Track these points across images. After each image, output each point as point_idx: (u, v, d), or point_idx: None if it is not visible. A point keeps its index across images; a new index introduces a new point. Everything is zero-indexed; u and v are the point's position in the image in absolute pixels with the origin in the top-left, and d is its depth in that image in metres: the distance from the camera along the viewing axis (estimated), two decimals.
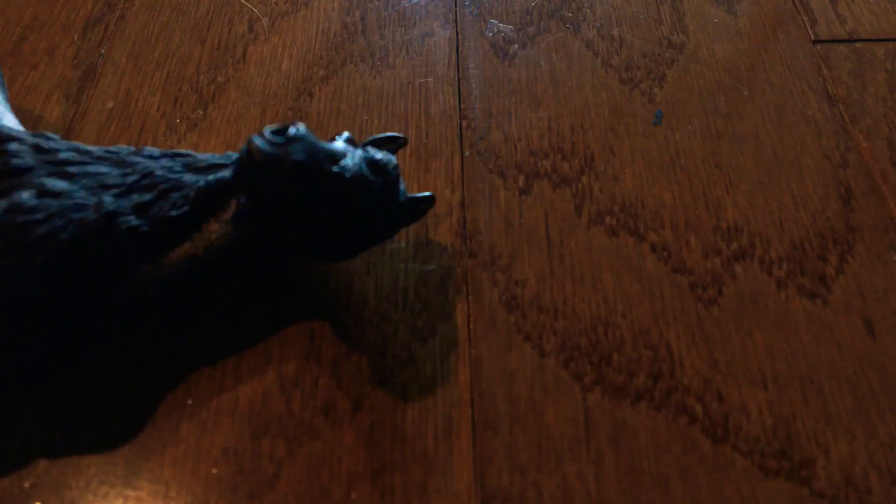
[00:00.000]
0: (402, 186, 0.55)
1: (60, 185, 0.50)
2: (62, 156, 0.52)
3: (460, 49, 0.76)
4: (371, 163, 0.53)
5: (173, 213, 0.50)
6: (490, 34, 0.78)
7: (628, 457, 0.52)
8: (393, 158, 0.54)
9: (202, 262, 0.51)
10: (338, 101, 0.71)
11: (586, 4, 0.80)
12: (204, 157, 0.54)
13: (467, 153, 0.68)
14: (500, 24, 0.78)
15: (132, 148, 0.55)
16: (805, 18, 0.79)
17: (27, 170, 0.51)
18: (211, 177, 0.52)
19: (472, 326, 0.57)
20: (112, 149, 0.54)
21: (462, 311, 0.58)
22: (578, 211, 0.64)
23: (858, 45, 0.77)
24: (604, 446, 0.52)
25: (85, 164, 0.52)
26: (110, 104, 0.71)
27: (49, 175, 0.51)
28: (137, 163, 0.53)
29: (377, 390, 0.54)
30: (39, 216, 0.48)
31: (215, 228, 0.50)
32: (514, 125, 0.70)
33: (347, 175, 0.50)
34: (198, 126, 0.69)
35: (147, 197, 0.50)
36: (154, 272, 0.50)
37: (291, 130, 0.50)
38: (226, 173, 0.52)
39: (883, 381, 0.55)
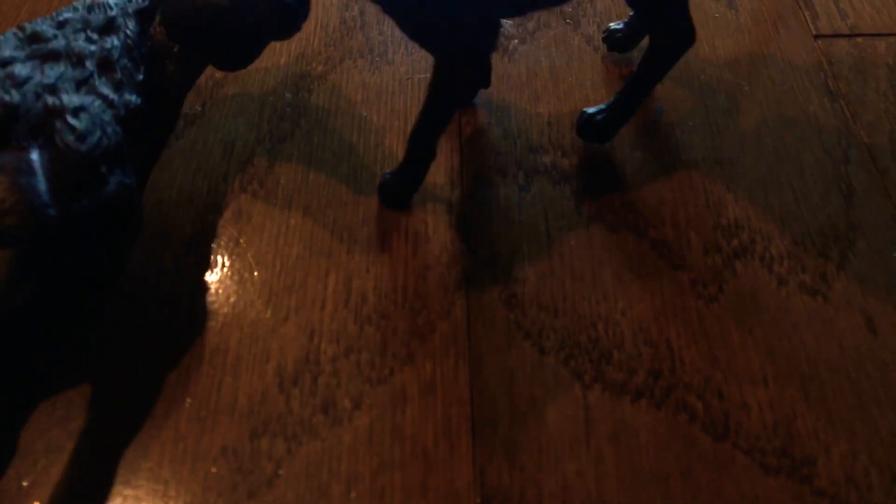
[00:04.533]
0: None
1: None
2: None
3: None
4: None
5: (140, 77, 0.54)
6: None
7: (628, 455, 0.52)
8: None
9: (183, 89, 0.59)
10: (336, 98, 0.71)
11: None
12: (81, 15, 0.55)
13: (466, 149, 0.67)
14: None
15: (19, 33, 0.53)
16: (806, 13, 0.79)
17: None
18: (129, 33, 0.55)
19: (471, 324, 0.57)
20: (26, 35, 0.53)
21: (462, 309, 0.58)
22: (578, 208, 0.64)
23: (860, 39, 0.77)
24: (604, 444, 0.52)
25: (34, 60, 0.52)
26: None
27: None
28: (61, 50, 0.52)
29: (376, 389, 0.54)
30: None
31: (173, 68, 0.57)
32: (514, 121, 0.69)
33: None
34: (196, 122, 0.69)
35: (118, 77, 0.53)
36: (162, 129, 0.58)
37: None
38: (127, 26, 0.55)
39: (884, 378, 0.55)
